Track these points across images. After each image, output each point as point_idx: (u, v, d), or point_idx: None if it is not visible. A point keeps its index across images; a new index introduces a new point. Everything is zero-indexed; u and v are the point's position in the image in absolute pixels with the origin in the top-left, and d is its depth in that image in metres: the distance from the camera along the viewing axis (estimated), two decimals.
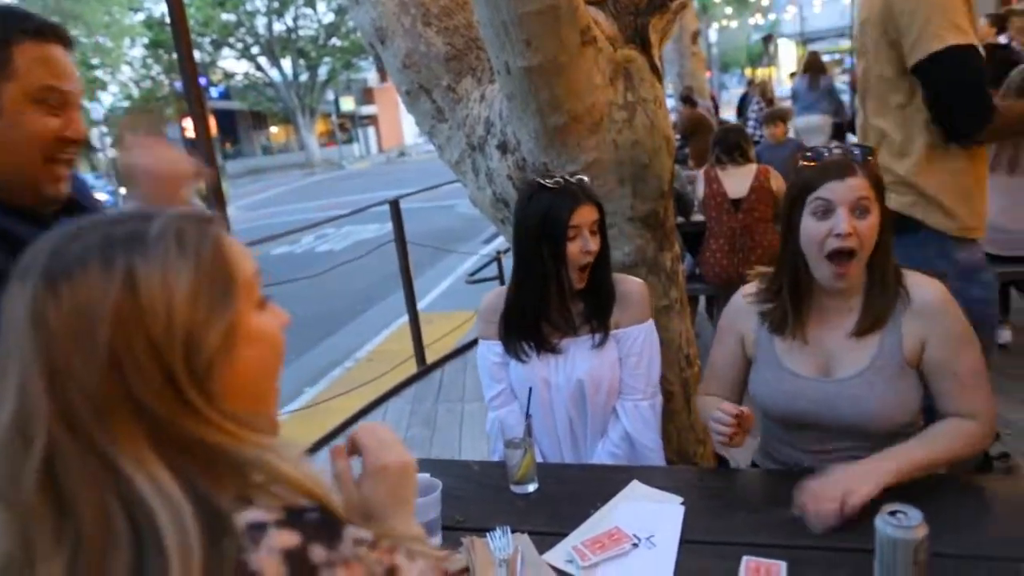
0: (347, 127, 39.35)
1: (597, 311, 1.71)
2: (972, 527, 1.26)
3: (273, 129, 39.12)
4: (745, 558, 1.22)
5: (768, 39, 21.02)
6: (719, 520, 1.37)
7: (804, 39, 28.84)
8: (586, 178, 1.73)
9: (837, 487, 1.26)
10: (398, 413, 4.18)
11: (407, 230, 4.66)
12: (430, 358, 4.80)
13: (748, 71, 29.20)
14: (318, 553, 0.56)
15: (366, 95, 39.28)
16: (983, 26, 6.59)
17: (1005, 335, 3.81)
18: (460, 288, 7.03)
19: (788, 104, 9.95)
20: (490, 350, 1.81)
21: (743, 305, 1.58)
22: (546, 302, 1.70)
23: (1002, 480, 1.49)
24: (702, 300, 4.65)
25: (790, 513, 1.32)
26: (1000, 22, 6.72)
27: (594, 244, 1.65)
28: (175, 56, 3.38)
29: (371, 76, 38.82)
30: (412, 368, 4.70)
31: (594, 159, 2.23)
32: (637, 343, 1.73)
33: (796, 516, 1.30)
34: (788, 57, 30.22)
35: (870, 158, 1.41)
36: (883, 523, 1.08)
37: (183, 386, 0.61)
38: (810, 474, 1.31)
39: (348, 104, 37.89)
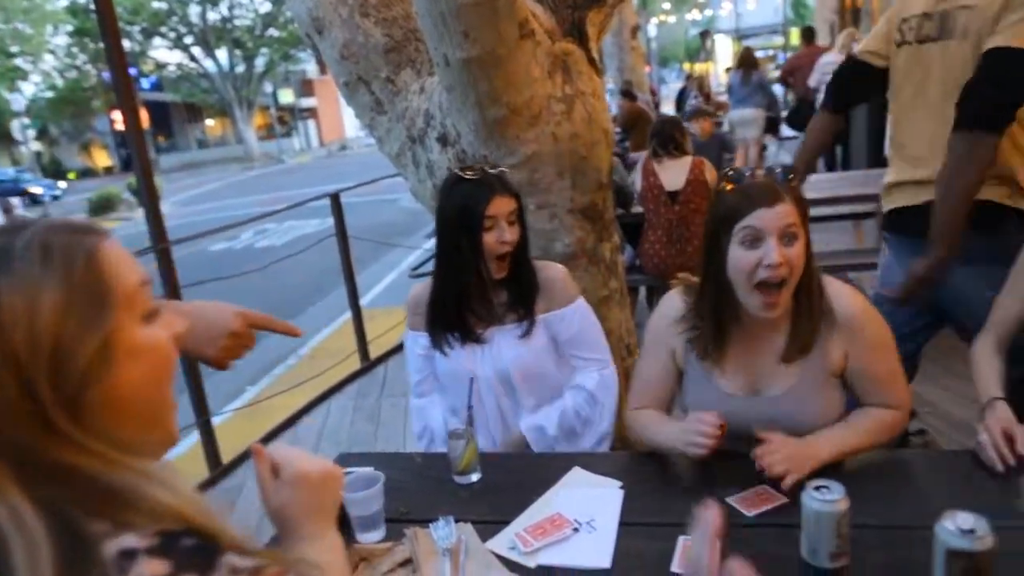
0: (286, 120, 38.50)
1: (521, 299, 1.73)
2: (891, 499, 1.33)
3: (209, 122, 37.99)
4: (681, 538, 1.26)
5: (705, 34, 21.47)
6: (656, 502, 1.41)
7: (739, 35, 29.57)
8: (507, 170, 1.75)
9: (783, 464, 1.33)
10: (342, 409, 4.14)
11: (349, 225, 4.60)
12: (373, 353, 4.76)
13: (686, 66, 29.74)
14: None
15: (305, 87, 38.48)
16: None
17: None
18: (404, 283, 6.99)
19: (724, 98, 10.22)
20: (416, 342, 1.82)
21: (671, 314, 1.55)
22: (467, 292, 1.71)
23: (918, 455, 1.57)
24: (642, 291, 4.73)
25: (722, 496, 1.37)
26: None
27: (511, 234, 1.66)
28: (102, 45, 3.26)
29: (310, 68, 38.03)
30: (355, 364, 4.65)
31: (533, 152, 2.25)
32: (573, 323, 1.76)
33: (728, 499, 1.35)
34: (724, 52, 30.91)
35: (791, 180, 1.39)
36: (809, 498, 1.14)
37: (48, 409, 0.58)
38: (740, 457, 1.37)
39: (287, 96, 37.06)
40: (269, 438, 3.81)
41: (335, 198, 4.43)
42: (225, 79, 30.01)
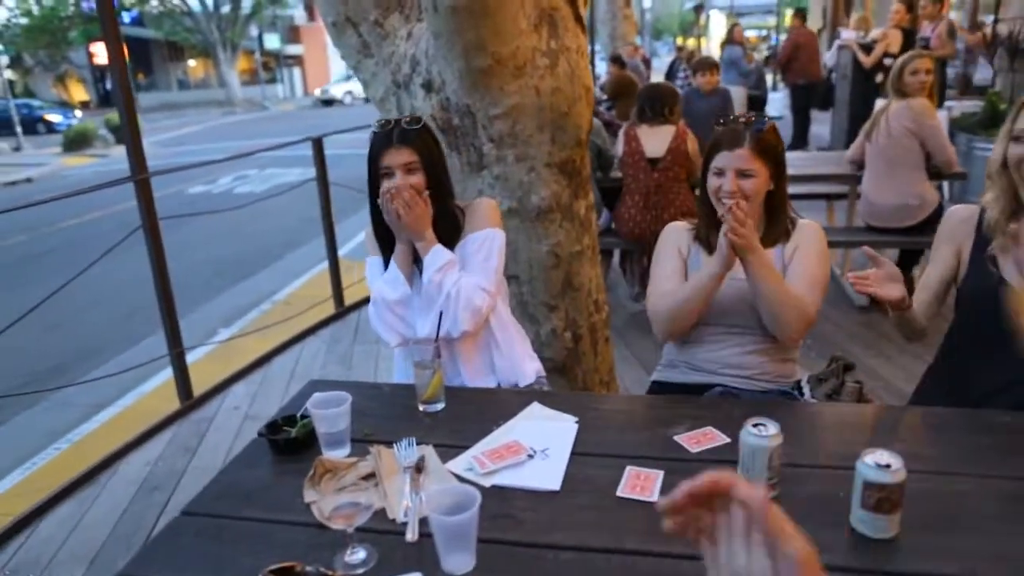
0: (271, 66, 37.67)
1: (442, 238, 1.83)
2: (816, 441, 1.43)
3: (191, 62, 37.02)
4: (628, 468, 1.35)
5: (699, 9, 21.32)
6: (608, 437, 1.50)
7: (735, 12, 29.36)
8: (418, 123, 1.81)
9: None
10: (314, 352, 4.19)
11: (330, 177, 4.60)
12: (348, 301, 4.80)
13: (679, 40, 29.52)
14: None
15: (292, 34, 37.61)
16: (899, 9, 6.93)
17: (863, 298, 4.16)
18: None
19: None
20: (373, 263, 1.94)
21: (675, 231, 1.94)
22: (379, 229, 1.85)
23: (850, 406, 1.69)
24: (616, 254, 4.80)
25: (670, 434, 1.47)
26: (912, 4, 7.05)
27: (403, 182, 1.75)
28: None
29: (298, 13, 37.16)
30: (330, 310, 4.70)
31: (516, 103, 2.29)
32: (477, 243, 1.85)
33: (675, 437, 1.45)
34: (718, 29, 30.71)
35: (762, 131, 1.74)
36: (746, 433, 1.23)
37: None
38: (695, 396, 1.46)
39: (273, 42, 36.20)
40: (239, 377, 3.86)
41: (318, 143, 4.42)
42: (209, 19, 29.22)
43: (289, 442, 1.49)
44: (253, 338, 4.35)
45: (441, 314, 1.70)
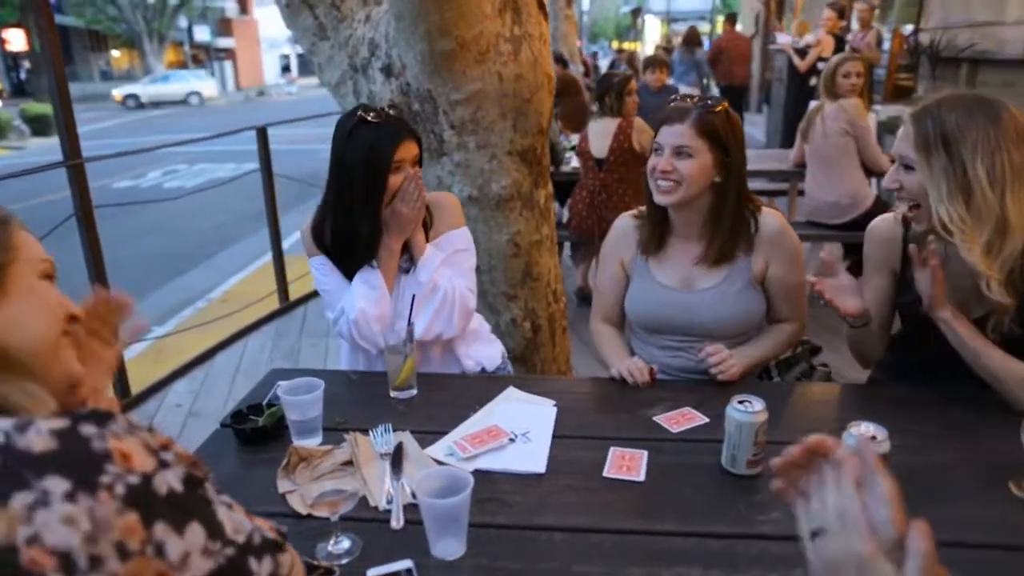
0: (201, 59, 36.39)
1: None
2: (795, 419, 1.46)
3: (115, 53, 35.41)
4: (612, 448, 1.34)
5: (637, 12, 21.73)
6: (588, 420, 1.49)
7: (670, 18, 30.03)
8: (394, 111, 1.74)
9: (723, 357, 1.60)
10: (259, 347, 4.05)
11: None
12: (293, 296, 4.66)
13: (615, 43, 29.99)
14: (88, 429, 0.57)
15: (223, 26, 36.42)
16: (831, 16, 7.19)
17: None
18: None
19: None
20: (321, 263, 1.79)
21: (622, 231, 1.81)
22: (362, 233, 1.70)
23: (822, 386, 1.72)
24: (566, 247, 4.81)
25: (650, 415, 1.46)
26: (843, 11, 7.32)
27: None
28: None
29: (230, 5, 36.07)
30: (274, 304, 4.55)
31: (478, 89, 2.25)
32: (454, 243, 1.79)
33: (655, 418, 1.44)
34: (653, 34, 31.34)
35: (710, 113, 1.60)
36: (732, 410, 1.23)
37: None
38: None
39: (203, 34, 35.00)
40: (180, 373, 3.70)
41: (262, 132, 4.27)
42: (135, 8, 28.04)
43: (257, 431, 1.42)
44: (191, 335, 4.17)
45: (413, 297, 1.65)
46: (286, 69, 41.61)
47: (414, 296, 1.65)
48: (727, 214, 1.64)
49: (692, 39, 8.72)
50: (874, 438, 1.12)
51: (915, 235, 1.52)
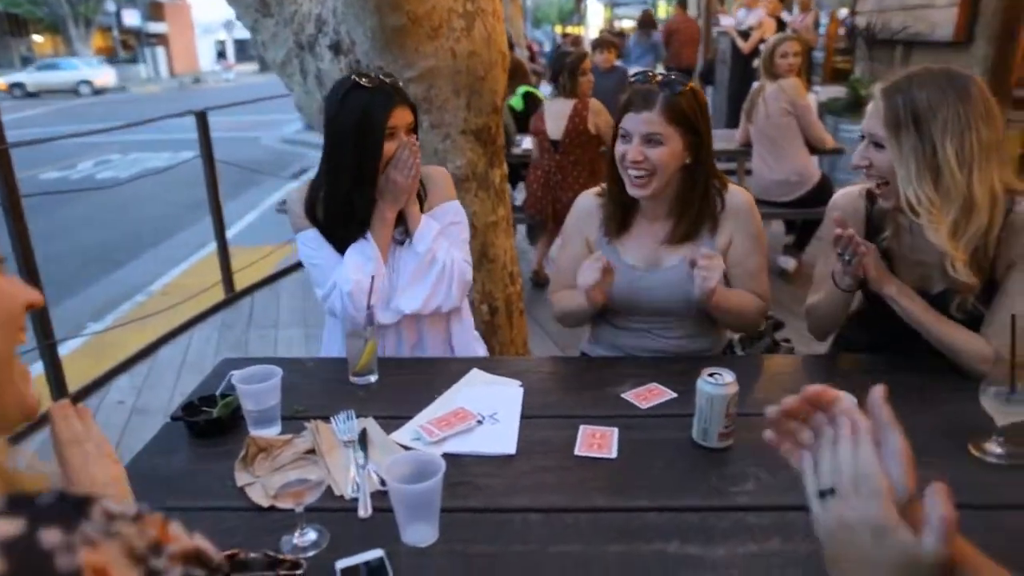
0: (131, 45, 34.93)
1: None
2: (762, 390, 1.46)
3: (37, 38, 33.67)
4: (582, 427, 1.32)
5: None
6: (556, 399, 1.46)
7: (611, 3, 30.14)
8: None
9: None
10: (204, 339, 3.91)
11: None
12: (239, 286, 4.52)
13: (558, 28, 29.96)
14: (51, 538, 0.40)
15: (154, 10, 34.99)
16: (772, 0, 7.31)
17: (791, 263, 4.38)
18: (268, 221, 6.65)
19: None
20: (308, 238, 1.71)
21: (585, 210, 1.75)
22: (358, 202, 1.65)
23: (784, 357, 1.75)
24: (521, 228, 4.77)
25: (618, 392, 1.45)
26: None
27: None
28: None
29: None
30: (219, 295, 4.40)
31: (431, 66, 2.19)
32: (449, 214, 1.75)
33: (623, 395, 1.43)
34: (596, 18, 31.44)
35: (677, 94, 1.53)
36: (703, 382, 1.23)
37: None
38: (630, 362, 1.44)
39: (133, 19, 33.58)
40: (121, 370, 3.54)
41: (202, 116, 4.10)
42: None
43: (211, 423, 1.35)
44: (131, 329, 4.00)
45: (372, 279, 1.59)
46: (222, 55, 40.35)
47: (372, 278, 1.58)
48: (696, 194, 1.62)
49: (647, 21, 8.79)
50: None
51: (879, 211, 1.53)
